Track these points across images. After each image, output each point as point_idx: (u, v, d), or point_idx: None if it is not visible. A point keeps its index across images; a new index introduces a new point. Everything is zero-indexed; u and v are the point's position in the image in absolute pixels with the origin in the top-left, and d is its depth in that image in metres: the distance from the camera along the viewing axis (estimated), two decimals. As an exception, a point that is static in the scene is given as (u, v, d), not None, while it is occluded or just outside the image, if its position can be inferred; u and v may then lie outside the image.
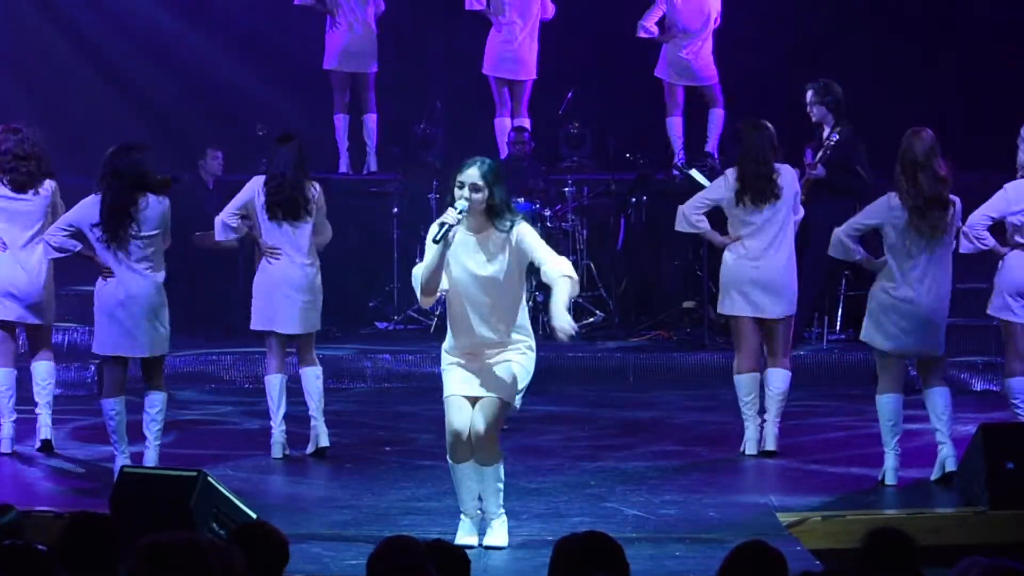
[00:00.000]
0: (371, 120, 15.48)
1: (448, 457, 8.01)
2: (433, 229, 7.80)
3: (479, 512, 8.06)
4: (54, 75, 15.94)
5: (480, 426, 7.88)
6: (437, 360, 13.14)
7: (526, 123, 15.25)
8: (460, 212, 7.73)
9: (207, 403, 12.34)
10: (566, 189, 14.45)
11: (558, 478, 9.68)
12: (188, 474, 7.67)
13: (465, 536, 7.99)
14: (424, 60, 16.13)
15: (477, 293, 7.86)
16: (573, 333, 7.76)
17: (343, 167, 15.50)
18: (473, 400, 7.96)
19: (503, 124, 15.37)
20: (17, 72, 15.63)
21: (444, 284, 7.89)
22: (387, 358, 13.21)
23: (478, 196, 7.77)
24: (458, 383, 7.98)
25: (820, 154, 12.10)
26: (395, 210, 14.52)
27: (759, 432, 10.14)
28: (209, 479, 7.57)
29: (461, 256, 7.85)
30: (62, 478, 9.77)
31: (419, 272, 7.90)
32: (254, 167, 14.32)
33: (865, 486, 9.39)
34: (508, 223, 7.82)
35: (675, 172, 14.34)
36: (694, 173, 12.65)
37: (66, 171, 10.80)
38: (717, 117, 15.12)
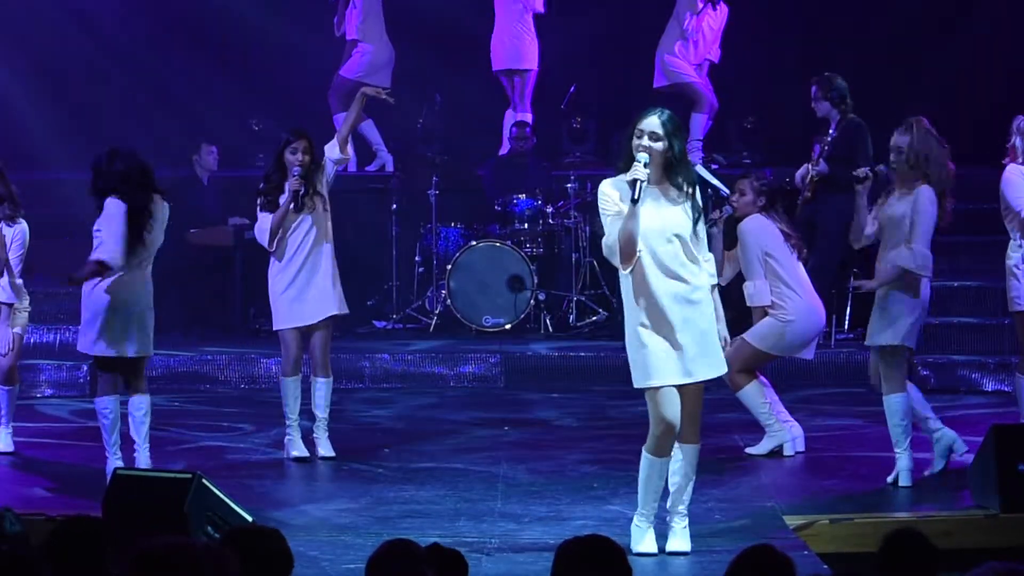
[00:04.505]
0: (371, 124, 15.38)
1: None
2: (607, 191, 7.66)
3: None
4: (49, 69, 15.83)
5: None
6: (436, 359, 13.31)
7: (528, 118, 15.15)
8: (645, 165, 7.56)
9: (201, 403, 12.22)
10: (568, 185, 14.33)
11: (560, 480, 9.57)
12: (182, 476, 7.58)
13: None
14: (422, 54, 16.00)
15: (661, 248, 7.65)
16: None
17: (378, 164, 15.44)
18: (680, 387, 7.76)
19: (511, 117, 15.34)
20: (11, 64, 15.52)
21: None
22: (386, 357, 13.10)
23: (658, 145, 7.60)
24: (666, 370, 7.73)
25: (819, 150, 12.04)
26: (394, 207, 14.40)
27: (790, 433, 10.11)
28: (204, 481, 7.47)
29: (642, 211, 7.62)
30: (54, 480, 9.65)
31: (612, 240, 7.63)
32: (251, 162, 14.28)
33: (874, 488, 9.28)
34: (683, 181, 7.68)
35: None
36: (701, 170, 12.53)
37: (59, 165, 10.69)
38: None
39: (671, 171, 7.67)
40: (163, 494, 7.48)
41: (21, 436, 10.44)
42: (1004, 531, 8.33)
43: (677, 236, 7.68)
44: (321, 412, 10.21)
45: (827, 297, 12.70)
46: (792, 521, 8.40)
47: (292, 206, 10.00)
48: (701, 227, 7.78)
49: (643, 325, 7.70)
